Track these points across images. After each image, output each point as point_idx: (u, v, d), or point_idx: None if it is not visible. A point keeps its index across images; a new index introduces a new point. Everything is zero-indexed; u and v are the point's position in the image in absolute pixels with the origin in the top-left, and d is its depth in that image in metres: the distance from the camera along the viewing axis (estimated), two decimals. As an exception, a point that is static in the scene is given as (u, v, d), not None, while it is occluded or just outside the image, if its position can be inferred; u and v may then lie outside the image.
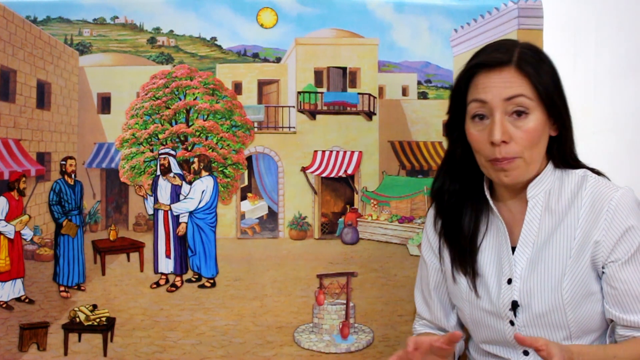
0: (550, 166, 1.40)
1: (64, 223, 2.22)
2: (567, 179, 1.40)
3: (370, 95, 2.35)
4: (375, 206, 2.41)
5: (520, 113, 1.30)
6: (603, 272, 1.34)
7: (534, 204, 1.39)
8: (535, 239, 1.39)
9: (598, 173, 1.42)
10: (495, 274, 1.41)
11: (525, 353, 1.41)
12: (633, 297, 1.32)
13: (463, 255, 1.45)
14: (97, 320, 2.18)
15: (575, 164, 1.42)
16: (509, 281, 1.39)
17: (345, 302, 2.26)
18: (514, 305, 1.37)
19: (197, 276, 2.27)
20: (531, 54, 1.34)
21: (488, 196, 1.43)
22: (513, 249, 1.40)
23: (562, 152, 1.40)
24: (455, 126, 1.41)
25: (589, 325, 1.36)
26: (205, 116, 2.30)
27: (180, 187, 2.28)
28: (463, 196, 1.46)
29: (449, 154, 1.48)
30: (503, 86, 1.31)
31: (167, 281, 2.26)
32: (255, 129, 2.31)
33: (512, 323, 1.39)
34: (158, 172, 2.28)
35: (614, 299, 1.34)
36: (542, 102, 1.31)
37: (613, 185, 1.37)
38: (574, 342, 1.36)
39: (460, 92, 1.38)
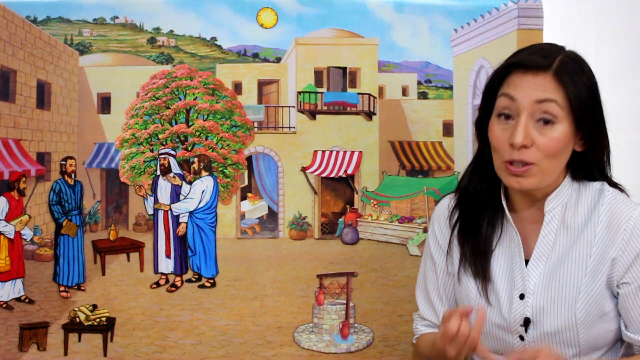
0: (568, 179, 1.37)
1: (64, 223, 2.22)
2: (584, 192, 1.37)
3: (370, 95, 2.35)
4: (375, 206, 2.41)
5: (547, 121, 1.26)
6: (618, 292, 1.32)
7: (551, 218, 1.36)
8: (549, 254, 1.36)
9: (619, 189, 1.38)
10: (507, 286, 1.38)
11: None
12: None
13: (476, 255, 1.41)
14: (97, 320, 2.18)
15: (600, 179, 1.37)
16: (522, 296, 1.36)
17: (345, 302, 2.26)
18: (526, 322, 1.35)
19: (197, 276, 2.27)
20: (573, 64, 1.29)
21: (504, 204, 1.39)
22: (526, 261, 1.37)
23: (588, 168, 1.35)
24: (485, 124, 1.37)
25: (600, 342, 1.35)
26: (205, 116, 2.30)
27: (180, 187, 2.28)
28: (487, 197, 1.43)
29: (478, 153, 1.45)
30: (536, 88, 1.26)
31: (167, 281, 2.26)
32: (255, 129, 2.31)
33: (521, 338, 1.36)
34: (158, 172, 2.28)
35: (631, 323, 1.32)
36: (573, 114, 1.27)
37: (631, 202, 1.34)
38: (582, 359, 1.34)
39: (492, 88, 1.34)
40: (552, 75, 1.27)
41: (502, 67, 1.33)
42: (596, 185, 1.37)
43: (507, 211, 1.39)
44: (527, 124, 1.26)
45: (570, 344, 1.33)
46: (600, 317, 1.32)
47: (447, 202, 1.53)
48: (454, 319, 1.23)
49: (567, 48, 1.35)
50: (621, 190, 1.39)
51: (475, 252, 1.42)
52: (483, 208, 1.43)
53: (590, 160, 1.35)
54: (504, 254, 1.41)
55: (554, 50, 1.32)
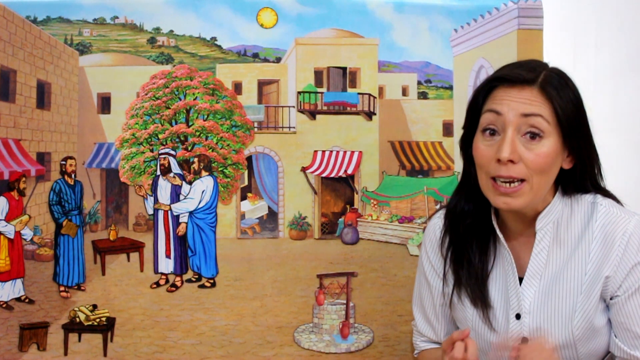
0: (558, 195, 1.34)
1: (64, 223, 2.22)
2: (576, 207, 1.34)
3: (370, 95, 2.35)
4: (375, 206, 2.41)
5: (534, 135, 1.23)
6: (610, 303, 1.31)
7: (543, 236, 1.33)
8: (543, 271, 1.34)
9: (614, 198, 1.36)
10: (503, 307, 1.37)
11: None
12: (635, 334, 1.29)
13: (473, 283, 1.38)
14: (97, 320, 2.18)
15: (592, 192, 1.35)
16: (518, 316, 1.34)
17: (345, 302, 2.26)
18: (524, 342, 1.33)
19: (197, 276, 2.27)
20: (558, 78, 1.27)
21: (495, 223, 1.36)
22: (520, 279, 1.35)
23: (579, 182, 1.33)
24: (470, 142, 1.33)
25: (599, 353, 1.34)
26: (205, 116, 2.30)
27: (180, 187, 2.28)
28: (476, 218, 1.39)
29: (463, 173, 1.41)
30: (522, 102, 1.24)
31: (167, 281, 2.26)
32: (255, 129, 2.31)
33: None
34: (158, 172, 2.28)
35: (621, 332, 1.31)
36: (560, 128, 1.24)
37: (624, 213, 1.31)
38: None
39: (476, 104, 1.31)
40: (538, 89, 1.24)
41: (486, 82, 1.30)
42: (588, 198, 1.34)
43: (498, 230, 1.36)
44: (514, 139, 1.23)
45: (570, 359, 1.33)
46: (597, 331, 1.32)
47: (438, 223, 1.49)
48: (458, 347, 1.21)
49: (550, 65, 1.32)
50: (615, 199, 1.36)
51: (471, 280, 1.39)
52: (473, 231, 1.39)
53: (580, 175, 1.32)
54: (499, 275, 1.39)
55: (537, 65, 1.30)
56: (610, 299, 1.31)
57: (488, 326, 1.38)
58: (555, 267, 1.33)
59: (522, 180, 1.23)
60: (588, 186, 1.34)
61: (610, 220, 1.30)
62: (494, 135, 1.26)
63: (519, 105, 1.24)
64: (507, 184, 1.24)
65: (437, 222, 1.49)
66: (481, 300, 1.37)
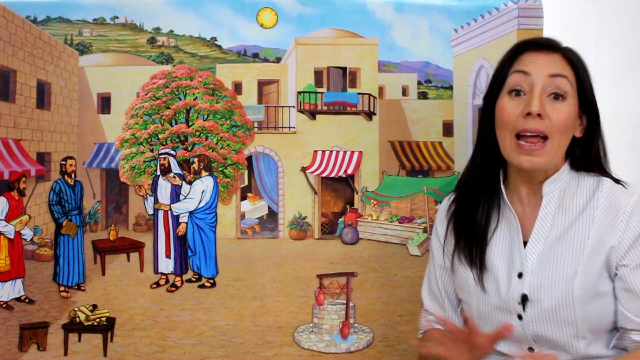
0: (567, 165, 1.41)
1: (64, 223, 2.22)
2: (583, 181, 1.41)
3: (370, 95, 2.35)
4: (375, 206, 2.41)
5: (557, 96, 1.33)
6: (616, 274, 1.35)
7: (549, 200, 1.40)
8: (547, 235, 1.39)
9: (617, 181, 1.42)
10: (505, 268, 1.41)
11: (530, 349, 1.41)
12: None
13: (471, 246, 1.44)
14: (97, 320, 2.18)
15: (598, 171, 1.41)
16: (520, 275, 1.39)
17: (345, 302, 2.26)
18: (524, 299, 1.37)
19: (197, 276, 2.27)
20: (576, 53, 1.39)
21: (502, 189, 1.43)
22: (524, 243, 1.41)
23: (586, 155, 1.41)
24: (492, 106, 1.41)
25: (597, 324, 1.36)
26: (205, 116, 2.30)
27: (180, 187, 2.28)
28: (485, 183, 1.46)
29: (480, 140, 1.47)
30: (549, 64, 1.34)
31: (167, 281, 2.26)
32: (255, 129, 2.31)
33: (520, 317, 1.38)
34: (158, 172, 2.28)
35: (629, 302, 1.34)
36: (579, 93, 1.35)
37: (628, 191, 1.39)
38: (581, 342, 1.36)
39: (503, 67, 1.39)
40: (562, 55, 1.36)
41: (513, 48, 1.40)
42: (594, 175, 1.41)
43: (504, 194, 1.43)
44: (542, 95, 1.32)
45: (568, 323, 1.35)
46: (596, 296, 1.34)
47: (450, 197, 1.56)
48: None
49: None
50: (619, 182, 1.42)
51: (470, 242, 1.45)
52: (479, 196, 1.46)
53: (587, 149, 1.40)
54: (502, 240, 1.44)
55: (556, 40, 1.40)
56: (616, 269, 1.34)
57: (481, 289, 1.42)
58: (559, 231, 1.38)
59: (544, 139, 1.32)
60: (592, 164, 1.41)
61: (615, 193, 1.37)
62: (520, 95, 1.35)
63: (546, 67, 1.34)
64: (531, 143, 1.32)
65: (448, 201, 1.57)
66: (478, 262, 1.43)
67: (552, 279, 1.36)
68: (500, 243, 1.44)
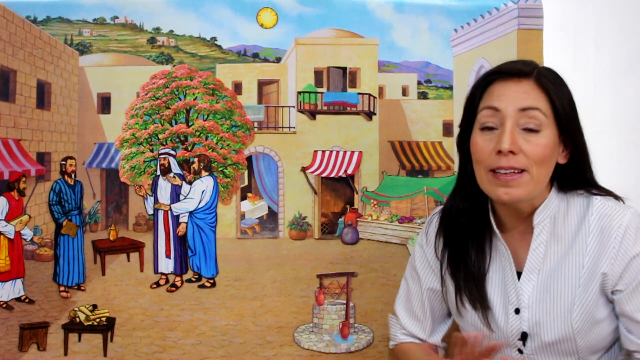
0: (554, 191, 1.35)
1: (64, 223, 2.22)
2: (572, 203, 1.35)
3: (370, 95, 2.35)
4: (375, 206, 2.41)
5: (532, 129, 1.25)
6: (613, 299, 1.32)
7: (540, 230, 1.34)
8: (541, 266, 1.35)
9: (609, 193, 1.37)
10: (501, 303, 1.38)
11: None
12: None
13: (470, 288, 1.39)
14: (97, 320, 2.18)
15: (587, 189, 1.36)
16: (517, 311, 1.35)
17: (345, 302, 2.26)
18: (523, 336, 1.35)
19: (197, 276, 2.27)
20: (551, 74, 1.30)
21: (492, 220, 1.37)
22: (518, 275, 1.36)
23: (574, 178, 1.34)
24: (467, 138, 1.35)
25: (598, 345, 1.35)
26: (205, 116, 2.30)
27: (180, 187, 2.28)
28: (471, 217, 1.40)
29: (460, 172, 1.42)
30: (519, 96, 1.26)
31: (167, 281, 2.26)
32: (255, 129, 2.31)
33: (520, 351, 1.36)
34: (158, 172, 2.28)
35: (631, 326, 1.31)
36: (557, 121, 1.27)
37: (620, 207, 1.32)
38: None
39: (473, 101, 1.33)
40: (534, 82, 1.27)
41: (482, 77, 1.32)
42: (584, 194, 1.35)
43: (494, 226, 1.37)
44: (514, 130, 1.25)
45: (569, 353, 1.33)
46: (596, 323, 1.32)
47: (433, 220, 1.51)
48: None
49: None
50: (612, 195, 1.37)
51: (469, 282, 1.40)
52: (468, 230, 1.40)
53: (575, 169, 1.33)
54: (496, 272, 1.40)
55: (530, 62, 1.32)
56: (612, 293, 1.31)
57: (487, 328, 1.38)
58: (553, 261, 1.34)
59: (522, 171, 1.25)
60: (583, 182, 1.35)
61: (606, 213, 1.31)
62: (492, 130, 1.28)
63: (517, 100, 1.26)
64: (507, 175, 1.25)
65: (436, 219, 1.50)
66: (480, 302, 1.38)
67: (551, 314, 1.32)
68: (494, 278, 1.39)
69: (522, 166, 1.25)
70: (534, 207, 1.34)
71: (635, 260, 1.28)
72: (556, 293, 1.33)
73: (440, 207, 1.53)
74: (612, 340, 1.36)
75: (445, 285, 1.47)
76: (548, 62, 2.07)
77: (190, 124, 2.30)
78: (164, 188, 2.28)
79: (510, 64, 1.31)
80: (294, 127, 2.35)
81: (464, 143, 1.36)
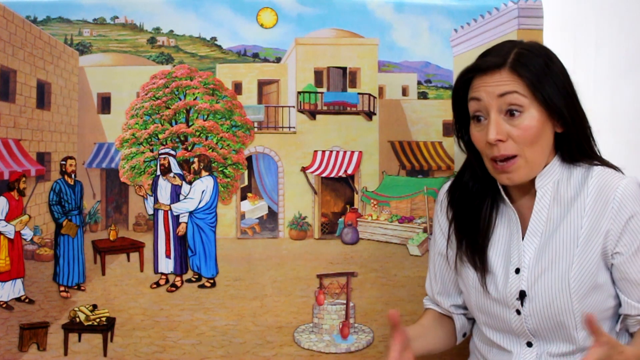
0: (557, 159, 1.41)
1: (64, 223, 2.22)
2: (574, 171, 1.41)
3: (370, 95, 2.35)
4: (375, 206, 2.41)
5: (513, 112, 1.31)
6: (612, 264, 1.35)
7: (543, 194, 1.40)
8: (543, 229, 1.40)
9: (610, 166, 1.41)
10: (503, 264, 1.42)
11: (529, 344, 1.42)
12: None
13: (473, 250, 1.46)
14: (97, 320, 2.18)
15: (588, 160, 1.41)
16: (517, 271, 1.39)
17: (345, 302, 2.26)
18: (522, 295, 1.38)
19: (197, 276, 2.27)
20: (527, 53, 1.34)
21: (502, 191, 1.44)
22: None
23: (571, 147, 1.39)
24: (465, 131, 1.44)
25: (597, 315, 1.33)
26: (205, 116, 2.30)
27: (180, 187, 2.28)
28: (482, 195, 1.48)
29: (467, 159, 1.52)
30: (496, 84, 1.32)
31: (167, 281, 2.26)
32: (255, 129, 2.31)
33: (518, 312, 1.39)
34: (158, 172, 2.28)
35: (631, 290, 1.35)
36: (537, 99, 1.31)
37: (617, 174, 1.38)
38: (580, 334, 1.36)
39: (458, 96, 1.41)
40: (508, 70, 1.32)
41: (462, 75, 1.40)
42: (585, 164, 1.40)
43: (504, 194, 1.44)
44: (498, 119, 1.31)
45: (566, 316, 1.35)
46: (594, 288, 1.34)
47: (446, 188, 1.61)
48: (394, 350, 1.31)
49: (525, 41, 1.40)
50: (613, 167, 1.41)
51: (472, 246, 1.47)
52: (478, 205, 1.48)
53: (573, 140, 1.38)
54: (502, 236, 1.45)
55: (508, 47, 1.37)
56: (612, 257, 1.34)
57: (484, 291, 1.44)
58: (554, 224, 1.39)
59: (514, 156, 1.32)
60: (584, 151, 1.40)
61: (604, 178, 1.35)
62: (481, 121, 1.36)
63: (493, 88, 1.32)
64: (503, 162, 1.33)
65: (445, 192, 1.60)
66: (481, 266, 1.44)
67: (548, 272, 1.36)
68: (499, 240, 1.45)
69: (513, 152, 1.32)
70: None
71: (633, 220, 1.32)
72: (554, 252, 1.37)
73: (448, 183, 1.60)
74: (610, 310, 1.38)
75: (450, 245, 1.54)
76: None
77: (190, 124, 2.30)
78: (164, 188, 2.28)
79: (484, 59, 1.37)
80: (294, 127, 2.35)
81: (463, 135, 1.46)
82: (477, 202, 1.48)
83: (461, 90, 1.40)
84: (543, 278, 1.36)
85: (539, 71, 1.33)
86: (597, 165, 1.39)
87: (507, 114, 1.31)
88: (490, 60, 1.35)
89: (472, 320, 1.66)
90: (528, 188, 1.43)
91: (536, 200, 1.41)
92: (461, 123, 1.45)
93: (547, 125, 1.35)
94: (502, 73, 1.32)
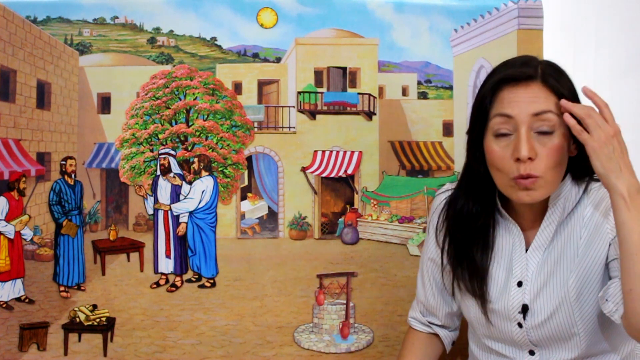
0: (568, 179, 1.38)
1: (64, 223, 2.22)
2: (580, 189, 1.39)
3: (370, 95, 2.35)
4: (375, 206, 2.41)
5: (546, 132, 1.27)
6: (610, 266, 1.33)
7: (553, 211, 1.37)
8: (548, 244, 1.38)
9: None
10: (504, 277, 1.40)
11: (531, 353, 1.40)
12: None
13: (472, 282, 1.42)
14: (97, 320, 2.18)
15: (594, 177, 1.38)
16: (519, 284, 1.37)
17: (345, 302, 2.26)
18: (524, 309, 1.36)
19: (197, 276, 2.27)
20: (552, 68, 1.32)
21: (499, 204, 1.41)
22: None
23: (584, 167, 1.35)
24: (477, 143, 1.36)
25: (597, 334, 1.35)
26: (205, 116, 2.30)
27: (180, 187, 2.28)
28: (484, 218, 1.42)
29: (469, 173, 1.43)
30: (530, 101, 1.27)
31: (167, 281, 2.26)
32: (255, 129, 2.31)
33: (520, 325, 1.37)
34: (158, 172, 2.28)
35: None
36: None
37: None
38: (583, 342, 1.35)
39: (483, 107, 1.33)
40: (541, 83, 1.28)
41: (492, 83, 1.32)
42: (588, 180, 1.39)
43: (504, 212, 1.41)
44: (529, 136, 1.26)
45: (568, 327, 1.34)
46: (595, 297, 1.32)
47: (443, 195, 1.55)
48: None
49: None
50: None
51: (470, 276, 1.42)
52: (477, 230, 1.42)
53: (585, 160, 1.33)
54: (503, 248, 1.42)
55: (532, 59, 1.33)
56: (612, 261, 1.32)
57: (486, 320, 1.41)
58: (560, 240, 1.37)
59: (537, 176, 1.27)
60: (590, 172, 1.36)
61: (603, 191, 1.33)
62: (506, 136, 1.29)
63: (529, 105, 1.27)
64: (526, 179, 1.27)
65: (444, 197, 1.53)
66: (480, 293, 1.41)
67: (549, 285, 1.35)
68: (500, 253, 1.42)
69: (538, 173, 1.26)
70: (547, 198, 1.37)
71: None
72: (556, 264, 1.36)
73: (445, 192, 1.54)
74: (614, 335, 1.37)
75: (445, 270, 1.51)
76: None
77: (190, 124, 2.30)
78: (164, 188, 2.28)
79: (514, 67, 1.31)
80: (294, 127, 2.35)
81: (475, 148, 1.38)
82: (475, 225, 1.42)
83: (488, 101, 1.32)
84: (544, 291, 1.35)
85: (565, 88, 1.30)
86: (596, 180, 1.37)
87: (537, 132, 1.27)
88: (524, 70, 1.29)
89: (457, 330, 1.68)
90: (533, 211, 1.39)
91: (546, 216, 1.38)
92: (478, 137, 1.36)
93: (567, 149, 1.32)
94: (536, 85, 1.28)
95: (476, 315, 1.44)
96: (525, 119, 1.26)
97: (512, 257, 1.40)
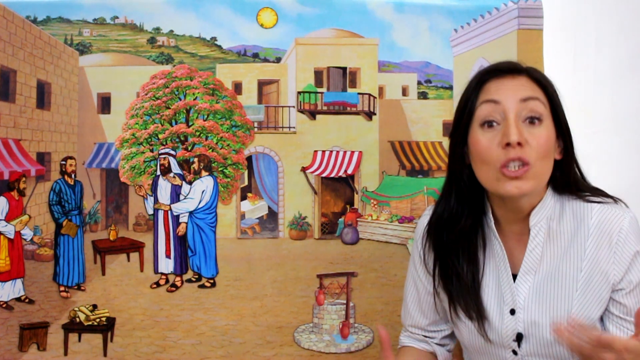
0: (550, 191, 1.33)
1: (64, 223, 2.22)
2: (567, 205, 1.34)
3: (370, 95, 2.35)
4: (375, 206, 2.41)
5: (533, 120, 1.24)
6: (610, 297, 1.31)
7: (537, 232, 1.33)
8: (537, 267, 1.33)
9: (606, 195, 1.35)
10: (496, 304, 1.36)
11: None
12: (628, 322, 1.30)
13: (466, 299, 1.37)
14: (97, 320, 2.18)
15: (579, 193, 1.34)
16: (512, 311, 1.34)
17: (345, 302, 2.26)
18: (518, 337, 1.33)
19: (197, 276, 2.27)
20: (539, 72, 1.31)
21: (491, 220, 1.36)
22: (514, 276, 1.35)
23: (565, 177, 1.32)
24: (461, 142, 1.32)
25: None
26: (205, 116, 2.30)
27: (180, 187, 2.28)
28: (466, 222, 1.37)
29: (452, 178, 1.38)
30: (517, 88, 1.26)
31: (167, 281, 2.26)
32: (255, 129, 2.31)
33: (514, 352, 1.36)
34: (158, 172, 2.28)
35: (619, 325, 1.31)
36: (552, 114, 1.27)
37: (618, 210, 1.31)
38: None
39: (468, 101, 1.30)
40: (527, 77, 1.28)
41: (476, 77, 1.32)
42: (577, 197, 1.34)
43: (493, 225, 1.35)
44: (518, 122, 1.24)
45: (563, 355, 1.32)
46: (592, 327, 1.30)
47: (425, 221, 1.47)
48: None
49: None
50: (605, 195, 1.35)
51: (462, 293, 1.38)
52: (459, 239, 1.37)
53: (567, 169, 1.32)
54: (490, 272, 1.38)
55: (517, 62, 1.33)
56: (612, 293, 1.30)
57: (486, 340, 1.37)
58: (549, 263, 1.33)
59: (525, 164, 1.23)
60: (576, 182, 1.35)
61: (605, 218, 1.30)
62: (493, 126, 1.26)
63: (516, 91, 1.26)
64: (517, 169, 1.22)
65: (423, 232, 1.47)
66: (476, 312, 1.36)
67: (547, 316, 1.31)
68: (490, 279, 1.38)
69: (529, 159, 1.23)
70: (532, 206, 1.32)
71: (637, 257, 1.28)
72: (554, 295, 1.32)
73: (425, 217, 1.48)
74: None
75: (439, 296, 1.44)
76: (548, 62, 2.07)
77: (190, 124, 2.30)
78: (164, 188, 2.28)
79: (501, 63, 1.32)
80: (294, 127, 2.35)
81: (457, 148, 1.34)
82: (460, 241, 1.36)
83: (472, 94, 1.30)
84: (541, 321, 1.31)
85: (553, 88, 1.29)
86: (592, 201, 1.32)
87: (525, 121, 1.24)
88: (509, 64, 1.29)
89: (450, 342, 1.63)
90: (517, 220, 1.34)
91: (530, 238, 1.33)
92: (462, 135, 1.32)
93: (555, 144, 1.29)
94: (523, 77, 1.28)
95: (470, 340, 1.41)
96: (513, 105, 1.24)
97: (499, 283, 1.36)
